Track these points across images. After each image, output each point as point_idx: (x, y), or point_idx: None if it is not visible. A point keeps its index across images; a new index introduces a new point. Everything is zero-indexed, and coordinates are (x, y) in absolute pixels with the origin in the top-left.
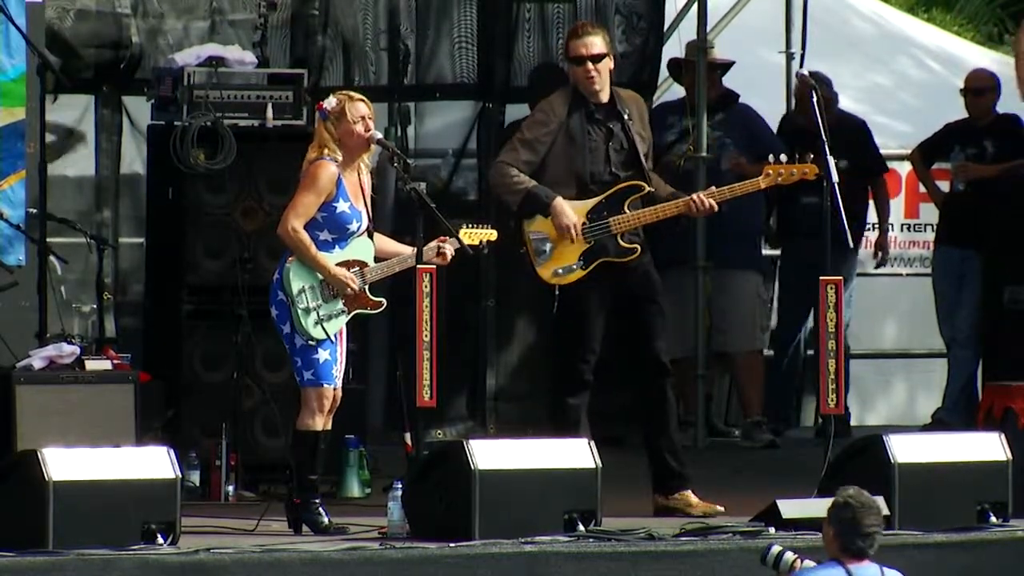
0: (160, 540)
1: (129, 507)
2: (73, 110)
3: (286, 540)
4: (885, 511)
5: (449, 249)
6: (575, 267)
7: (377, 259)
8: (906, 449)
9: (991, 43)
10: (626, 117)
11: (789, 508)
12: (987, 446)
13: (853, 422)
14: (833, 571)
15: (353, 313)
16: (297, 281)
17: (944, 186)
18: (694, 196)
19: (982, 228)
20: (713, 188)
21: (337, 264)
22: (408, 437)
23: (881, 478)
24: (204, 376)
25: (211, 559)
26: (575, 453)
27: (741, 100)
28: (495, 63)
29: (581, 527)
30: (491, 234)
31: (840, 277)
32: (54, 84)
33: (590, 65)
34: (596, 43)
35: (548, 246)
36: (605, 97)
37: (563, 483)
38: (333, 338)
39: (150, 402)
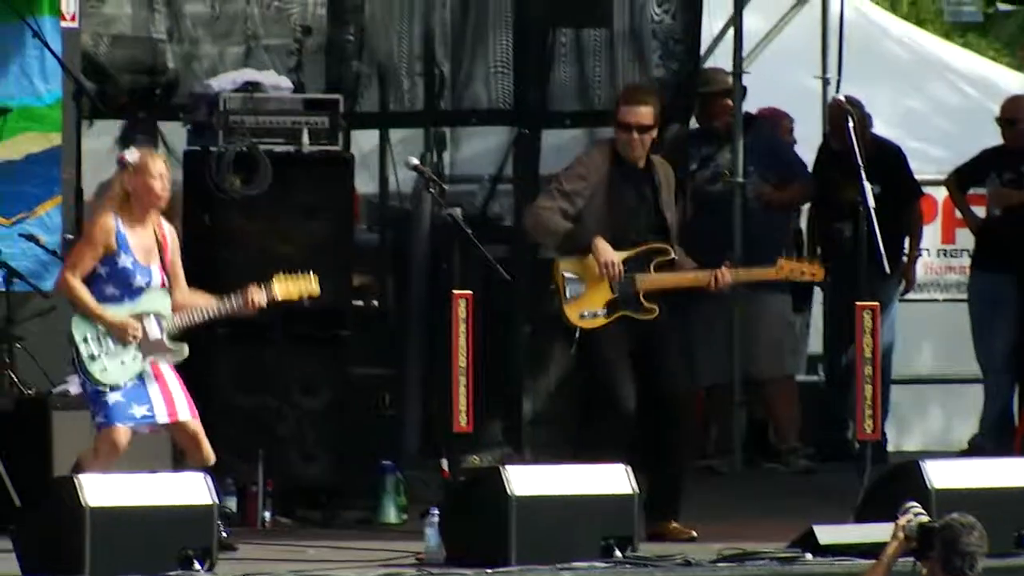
0: (197, 566)
1: (166, 533)
2: (109, 135)
3: (323, 566)
4: None
5: (260, 298)
6: (599, 313)
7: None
8: (943, 475)
9: None
10: (657, 183)
11: (826, 534)
12: None
13: (889, 448)
14: None
15: (149, 358)
16: (80, 330)
17: (980, 212)
18: (717, 272)
19: (1018, 254)
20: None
21: (130, 317)
22: (444, 463)
23: (918, 504)
24: (239, 400)
25: None
26: (612, 479)
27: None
28: (531, 88)
29: (618, 553)
30: (313, 290)
31: (876, 303)
32: (90, 110)
33: (635, 135)
34: (646, 113)
35: (579, 287)
36: (643, 163)
37: (600, 509)
38: (126, 383)
39: None
